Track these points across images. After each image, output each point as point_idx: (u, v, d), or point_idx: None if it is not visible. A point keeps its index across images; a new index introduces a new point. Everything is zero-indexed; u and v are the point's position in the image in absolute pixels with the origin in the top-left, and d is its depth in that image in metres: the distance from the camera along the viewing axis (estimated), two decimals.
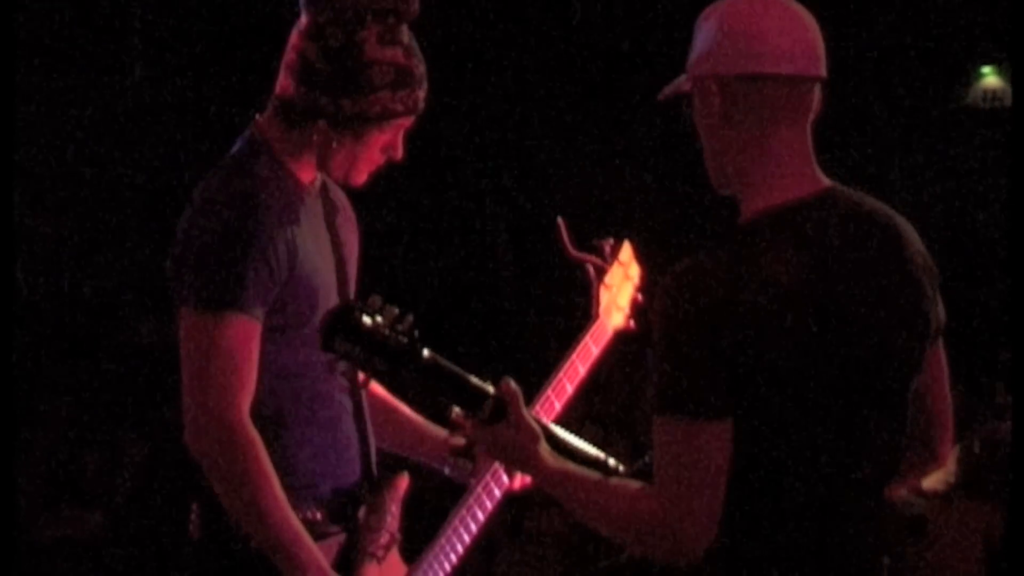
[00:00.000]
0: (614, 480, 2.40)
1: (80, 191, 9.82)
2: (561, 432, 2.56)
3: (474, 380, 2.56)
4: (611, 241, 3.29)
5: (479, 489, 3.05)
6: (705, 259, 2.30)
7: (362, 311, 2.53)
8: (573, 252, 3.21)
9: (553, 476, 2.44)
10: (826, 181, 2.40)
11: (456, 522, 3.02)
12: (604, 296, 3.25)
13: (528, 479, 3.04)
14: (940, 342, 2.48)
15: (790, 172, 2.36)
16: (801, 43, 2.37)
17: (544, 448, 2.46)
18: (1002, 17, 10.90)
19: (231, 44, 10.06)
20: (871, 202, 2.43)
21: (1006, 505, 4.84)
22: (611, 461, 2.56)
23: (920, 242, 2.45)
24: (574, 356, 3.16)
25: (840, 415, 2.31)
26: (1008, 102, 12.43)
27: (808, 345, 2.27)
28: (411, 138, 2.97)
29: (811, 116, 2.40)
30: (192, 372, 2.79)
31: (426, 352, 2.55)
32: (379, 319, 2.53)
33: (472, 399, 2.53)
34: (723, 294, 2.25)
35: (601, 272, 3.25)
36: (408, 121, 2.92)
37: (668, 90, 2.47)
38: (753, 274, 2.26)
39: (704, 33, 2.40)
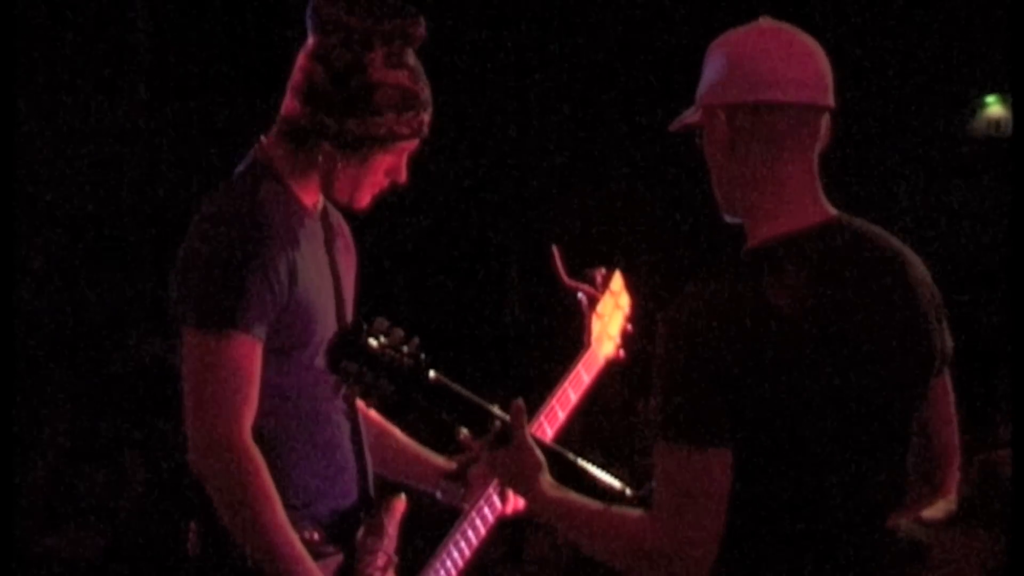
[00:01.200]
0: (613, 508, 2.40)
1: (83, 209, 9.83)
2: (571, 455, 2.57)
3: (481, 402, 2.57)
4: (603, 270, 3.31)
5: (472, 513, 3.05)
6: (708, 286, 2.30)
7: (368, 332, 2.54)
8: (567, 280, 3.23)
9: (551, 504, 2.45)
10: (832, 211, 2.40)
11: (450, 546, 3.03)
12: (596, 325, 3.26)
13: (521, 504, 3.05)
14: (946, 373, 2.48)
15: (797, 201, 2.36)
16: (809, 72, 2.37)
17: (545, 476, 2.47)
18: (1005, 46, 10.92)
19: (237, 64, 10.08)
20: (878, 232, 2.43)
21: (1006, 533, 4.84)
22: (617, 484, 2.56)
23: (927, 273, 2.45)
24: (566, 384, 3.17)
25: (842, 446, 2.31)
26: (1012, 131, 12.43)
27: (810, 375, 2.26)
28: (419, 160, 2.98)
29: (819, 146, 2.40)
30: (194, 391, 2.79)
31: (432, 374, 2.56)
32: (385, 341, 2.54)
33: (479, 421, 2.54)
34: (725, 322, 2.24)
35: (593, 301, 3.27)
36: (413, 144, 2.93)
37: (678, 122, 2.48)
38: (756, 303, 2.26)
39: (713, 63, 2.41)
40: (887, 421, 2.35)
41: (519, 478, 2.48)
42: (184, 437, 2.82)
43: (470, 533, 3.04)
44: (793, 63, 2.36)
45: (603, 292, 3.29)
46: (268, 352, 2.82)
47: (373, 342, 2.53)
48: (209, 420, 2.77)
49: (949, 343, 2.47)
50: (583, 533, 2.40)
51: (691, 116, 2.45)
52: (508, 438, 2.49)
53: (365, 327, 2.55)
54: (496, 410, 2.54)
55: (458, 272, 10.67)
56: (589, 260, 3.32)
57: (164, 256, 2.91)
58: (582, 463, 2.57)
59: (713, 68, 2.41)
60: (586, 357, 3.23)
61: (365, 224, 3.10)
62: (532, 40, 10.98)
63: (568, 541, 2.47)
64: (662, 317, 2.31)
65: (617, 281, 3.33)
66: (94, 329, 9.22)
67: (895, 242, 2.44)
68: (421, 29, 2.89)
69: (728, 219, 2.46)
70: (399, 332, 2.56)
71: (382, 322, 2.57)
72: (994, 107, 12.64)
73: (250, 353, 2.79)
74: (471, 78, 10.32)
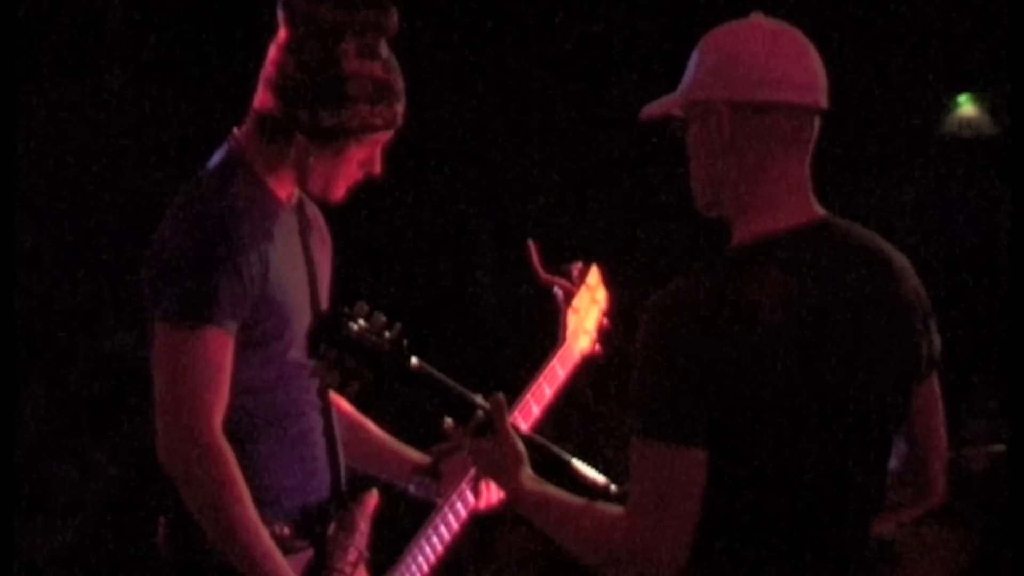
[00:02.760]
0: (590, 504, 2.38)
1: (54, 202, 9.79)
2: (555, 448, 2.55)
3: (463, 391, 2.55)
4: (579, 265, 3.30)
5: (445, 508, 3.04)
6: (690, 284, 2.29)
7: (349, 318, 2.51)
8: (543, 275, 3.22)
9: (529, 497, 2.43)
10: (821, 211, 2.39)
11: (422, 541, 3.02)
12: (572, 320, 3.25)
13: (494, 500, 3.04)
14: (934, 376, 2.47)
15: (786, 201, 2.35)
16: (810, 73, 2.37)
17: (526, 469, 2.45)
18: (978, 45, 10.96)
19: (211, 55, 10.05)
20: (866, 234, 2.42)
21: (976, 533, 4.85)
22: (601, 479, 2.55)
23: (915, 276, 2.44)
24: (541, 379, 3.16)
25: (820, 448, 2.29)
26: (985, 131, 12.50)
27: (790, 377, 2.25)
28: (394, 152, 2.97)
29: (811, 146, 2.39)
30: (165, 386, 2.78)
31: (414, 360, 2.53)
32: (366, 325, 2.51)
33: (460, 409, 2.52)
34: (705, 322, 2.23)
35: (569, 296, 3.26)
36: (387, 136, 2.91)
37: (657, 109, 2.45)
38: (737, 303, 2.24)
39: (708, 56, 2.38)
40: (868, 424, 2.34)
41: (499, 469, 2.46)
42: (152, 432, 2.80)
43: (442, 528, 3.03)
44: (796, 63, 2.36)
45: (579, 286, 3.28)
46: (241, 346, 2.81)
47: (354, 327, 2.50)
48: (179, 415, 2.75)
49: (937, 346, 2.45)
50: (559, 528, 2.39)
51: (673, 106, 2.43)
52: (490, 428, 2.47)
53: (346, 311, 2.52)
54: (479, 399, 2.52)
55: (432, 267, 10.65)
56: (566, 255, 3.31)
57: (135, 248, 2.89)
58: (566, 457, 2.56)
59: (709, 62, 2.38)
60: (561, 352, 3.22)
61: (341, 218, 3.08)
62: (508, 32, 10.97)
63: (545, 535, 2.46)
64: (643, 312, 2.29)
65: (594, 275, 3.32)
66: (63, 321, 9.18)
67: (883, 244, 2.43)
68: (394, 20, 2.88)
69: (704, 212, 2.44)
70: (380, 317, 2.54)
71: (363, 306, 2.54)
72: (966, 107, 12.68)
73: (221, 348, 2.77)
74: (446, 72, 10.30)
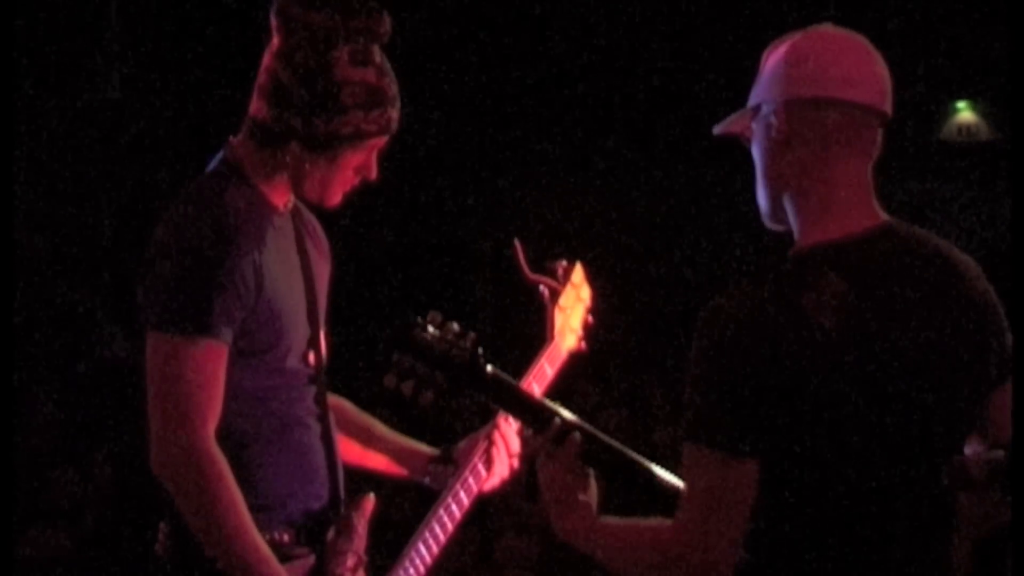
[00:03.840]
0: (637, 520, 2.36)
1: (53, 207, 9.79)
2: (629, 452, 2.52)
3: (540, 399, 2.56)
4: (564, 263, 3.30)
5: (457, 485, 3.06)
6: (746, 293, 2.26)
7: (423, 326, 2.51)
8: (529, 274, 3.23)
9: (585, 527, 2.41)
10: (884, 217, 2.35)
11: (426, 532, 3.02)
12: (558, 318, 3.26)
13: (499, 481, 3.06)
14: (1010, 381, 2.38)
15: (848, 204, 2.31)
16: (869, 74, 2.34)
17: (586, 498, 2.42)
18: (976, 52, 10.97)
19: (209, 64, 10.05)
20: (932, 240, 2.37)
21: (975, 540, 4.85)
22: (647, 464, 2.52)
23: (983, 279, 2.38)
24: (530, 377, 3.16)
25: (878, 461, 2.25)
26: (982, 136, 12.50)
27: (846, 389, 2.21)
28: (390, 157, 2.97)
29: (874, 153, 2.35)
30: (158, 395, 2.77)
31: (490, 368, 2.53)
32: (439, 333, 2.52)
33: (535, 417, 2.51)
34: (759, 332, 2.20)
35: (555, 294, 3.26)
36: (381, 141, 2.91)
37: (726, 127, 2.43)
38: (793, 312, 2.21)
39: (772, 63, 2.37)
40: (931, 434, 2.28)
41: (562, 494, 2.43)
42: (148, 440, 2.80)
43: (453, 507, 3.04)
44: (854, 62, 2.33)
45: (565, 285, 3.28)
46: (238, 355, 2.81)
47: (426, 335, 2.50)
48: (172, 425, 2.75)
49: (1010, 349, 2.38)
50: (609, 553, 2.38)
51: (741, 120, 2.41)
52: (566, 436, 2.44)
53: (419, 320, 2.52)
54: (556, 407, 2.51)
55: (427, 275, 10.66)
56: (555, 255, 3.31)
57: (134, 256, 2.89)
58: (645, 463, 2.52)
59: (770, 68, 2.37)
60: (549, 350, 3.22)
61: (334, 227, 3.09)
62: (502, 38, 10.97)
63: (556, 545, 2.44)
64: (699, 319, 2.26)
65: (578, 274, 3.32)
66: (63, 328, 9.18)
67: (952, 251, 2.37)
68: (386, 26, 2.88)
69: (770, 225, 2.41)
70: (454, 326, 2.54)
71: (436, 316, 2.54)
72: (964, 113, 12.68)
73: (215, 357, 2.77)
74: (440, 77, 10.31)
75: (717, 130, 2.46)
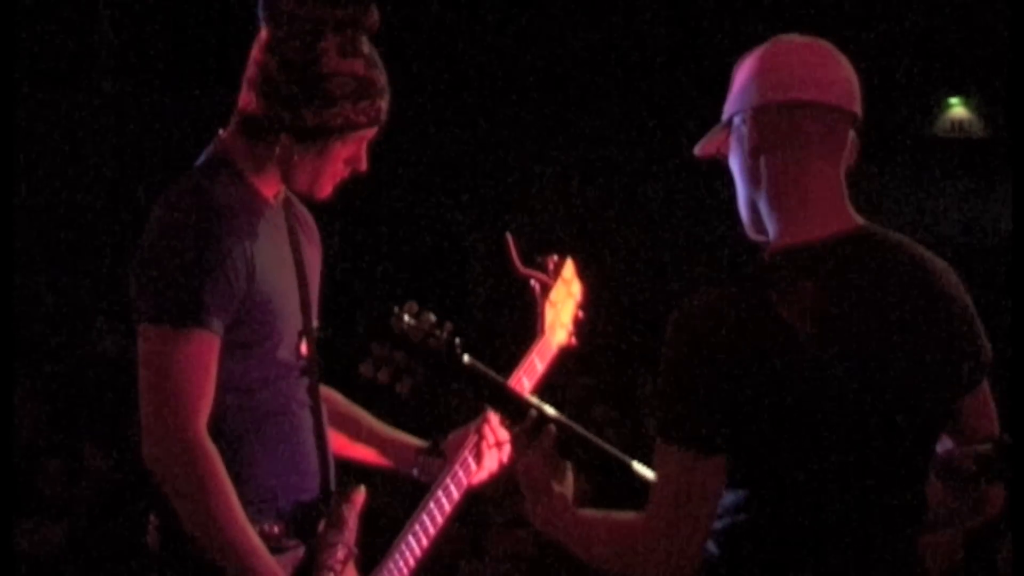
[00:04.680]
0: (610, 513, 2.38)
1: (45, 202, 9.79)
2: (608, 447, 2.53)
3: (516, 390, 2.57)
4: (555, 258, 3.30)
5: (447, 479, 3.06)
6: (718, 295, 2.27)
7: (400, 316, 2.52)
8: (520, 268, 3.23)
9: (554, 519, 2.43)
10: (859, 221, 2.36)
11: (416, 525, 3.03)
12: (549, 313, 3.26)
13: (492, 471, 3.07)
14: (984, 384, 2.42)
15: (819, 210, 2.32)
16: (835, 77, 2.35)
17: (561, 489, 2.44)
18: (970, 49, 10.99)
19: (199, 60, 10.05)
20: (905, 243, 2.38)
21: (966, 533, 4.86)
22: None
23: (959, 284, 2.39)
24: (520, 372, 3.17)
25: (848, 461, 2.26)
26: (975, 132, 12.53)
27: (815, 389, 2.22)
28: (388, 151, 2.97)
29: (844, 155, 2.36)
30: (150, 387, 2.77)
31: (467, 358, 2.54)
32: (416, 323, 2.52)
33: (511, 408, 2.52)
34: (729, 333, 2.21)
35: (546, 289, 3.27)
36: (371, 132, 2.91)
37: (705, 145, 2.45)
38: (764, 314, 2.22)
39: (740, 75, 2.39)
40: (900, 436, 2.29)
41: (537, 481, 2.44)
42: (139, 432, 2.80)
43: (443, 500, 3.05)
44: (819, 66, 2.34)
45: (555, 280, 3.28)
46: (229, 346, 2.81)
47: (403, 324, 2.50)
48: (164, 417, 2.75)
49: (986, 353, 2.40)
50: (581, 544, 2.40)
51: (717, 137, 2.43)
52: (542, 427, 2.46)
53: (396, 309, 2.52)
54: (532, 399, 2.53)
55: (421, 266, 10.66)
56: (549, 248, 3.32)
57: (126, 251, 2.89)
58: (624, 458, 2.53)
59: (739, 80, 2.39)
60: (540, 345, 3.23)
61: (329, 218, 3.09)
62: (497, 32, 10.97)
63: (542, 539, 2.45)
64: (670, 319, 2.27)
65: (568, 269, 3.32)
66: (55, 322, 9.18)
67: (924, 252, 2.38)
68: (374, 16, 2.88)
69: (753, 236, 2.42)
70: (431, 316, 2.54)
71: (413, 305, 2.54)
72: (957, 108, 12.70)
73: (208, 349, 2.77)
74: (435, 73, 10.31)
75: (697, 150, 2.47)
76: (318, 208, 3.03)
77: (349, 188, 2.99)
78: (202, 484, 2.74)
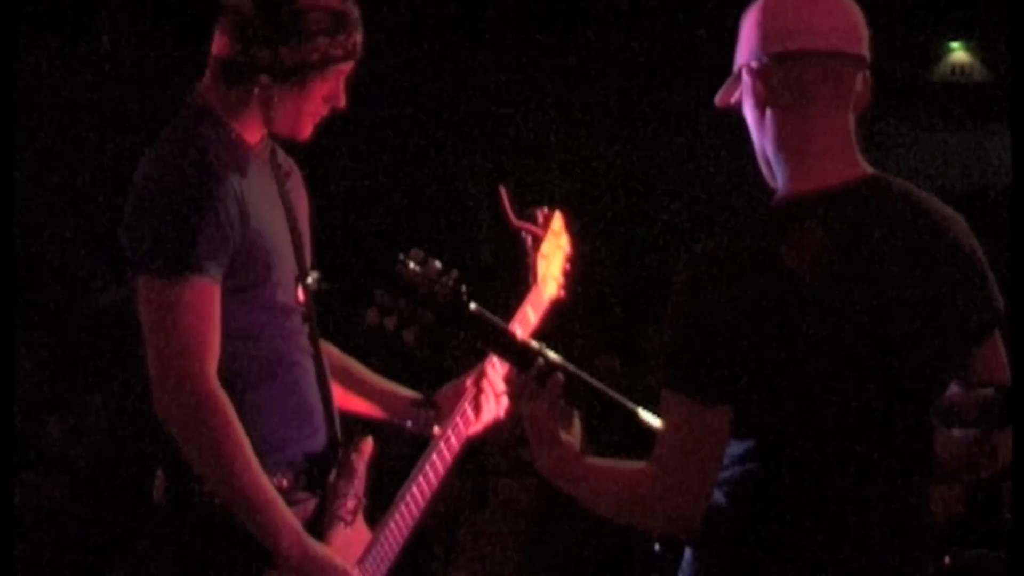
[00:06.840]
0: (616, 463, 2.38)
1: (41, 158, 9.76)
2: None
3: (523, 338, 2.54)
4: (544, 210, 3.29)
5: (448, 432, 3.06)
6: (725, 243, 2.27)
7: (406, 263, 2.50)
8: (513, 220, 3.22)
9: (560, 466, 2.42)
10: (868, 169, 2.35)
11: (419, 476, 3.02)
12: (541, 265, 3.27)
13: (489, 420, 3.06)
14: (996, 336, 2.40)
15: (829, 156, 2.32)
16: (838, 21, 2.33)
17: (568, 437, 2.43)
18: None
19: (198, 15, 10.00)
20: (915, 193, 2.37)
21: (967, 484, 4.86)
22: (631, 406, 2.53)
23: (971, 236, 2.38)
24: (514, 323, 3.16)
25: (852, 409, 2.26)
26: (976, 77, 12.47)
27: (819, 337, 2.22)
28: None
29: (853, 99, 2.35)
30: (156, 339, 2.76)
31: (473, 306, 2.52)
32: (421, 270, 2.50)
33: (519, 356, 2.50)
34: (735, 280, 2.22)
35: (537, 241, 3.26)
36: (348, 67, 2.90)
37: (722, 97, 2.45)
38: (769, 261, 2.22)
39: (745, 26, 2.39)
40: (904, 385, 2.29)
41: (543, 428, 2.43)
42: (145, 385, 2.79)
43: (444, 451, 3.04)
44: (823, 12, 2.33)
45: (546, 232, 3.28)
46: (228, 292, 2.80)
47: (408, 271, 2.49)
48: (174, 366, 2.74)
49: (997, 306, 2.39)
50: (588, 493, 2.40)
51: (730, 89, 2.42)
52: (550, 375, 2.44)
53: (401, 257, 2.50)
54: (540, 346, 2.51)
55: (428, 217, 10.65)
56: (555, 199, 3.30)
57: (123, 203, 2.88)
58: (630, 406, 2.53)
59: (745, 31, 2.39)
60: (532, 296, 3.23)
61: (330, 170, 3.07)
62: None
63: (548, 489, 2.44)
64: (677, 268, 2.27)
65: (557, 221, 3.32)
66: (55, 277, 9.17)
67: (937, 204, 2.38)
68: None
69: (774, 186, 2.40)
70: (436, 263, 2.52)
71: (418, 252, 2.52)
72: (958, 53, 12.64)
73: (208, 296, 2.76)
74: (444, 25, 10.26)
75: (717, 101, 2.47)
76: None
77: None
78: (217, 433, 2.73)
